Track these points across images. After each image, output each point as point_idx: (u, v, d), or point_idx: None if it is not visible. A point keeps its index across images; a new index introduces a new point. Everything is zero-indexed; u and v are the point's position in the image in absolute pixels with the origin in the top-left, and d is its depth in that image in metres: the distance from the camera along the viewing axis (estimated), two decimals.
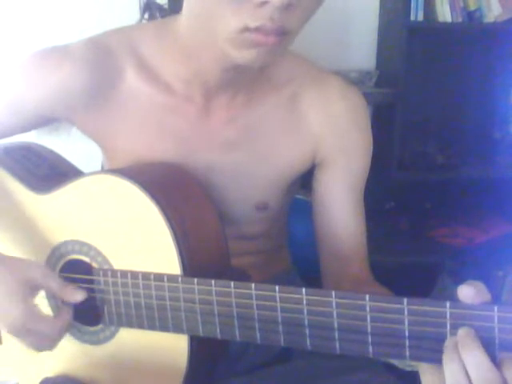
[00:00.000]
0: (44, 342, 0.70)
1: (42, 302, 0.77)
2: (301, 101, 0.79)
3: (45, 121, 0.79)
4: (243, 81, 0.75)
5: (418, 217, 2.15)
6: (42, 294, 0.76)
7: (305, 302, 0.56)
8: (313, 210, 0.84)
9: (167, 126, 0.76)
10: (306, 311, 0.57)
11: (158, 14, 0.94)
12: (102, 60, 0.74)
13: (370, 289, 0.77)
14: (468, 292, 0.50)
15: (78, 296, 0.72)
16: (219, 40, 0.64)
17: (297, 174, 0.82)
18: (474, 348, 0.49)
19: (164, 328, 0.67)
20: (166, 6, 0.97)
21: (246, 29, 0.61)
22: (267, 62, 0.65)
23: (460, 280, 0.53)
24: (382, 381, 0.76)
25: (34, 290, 0.70)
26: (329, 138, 0.80)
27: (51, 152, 0.87)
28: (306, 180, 0.86)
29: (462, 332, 0.50)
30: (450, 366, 0.50)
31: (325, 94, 0.80)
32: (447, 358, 0.51)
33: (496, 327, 0.49)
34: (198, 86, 0.74)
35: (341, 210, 0.81)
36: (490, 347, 0.49)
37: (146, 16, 0.94)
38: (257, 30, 0.60)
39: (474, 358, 0.49)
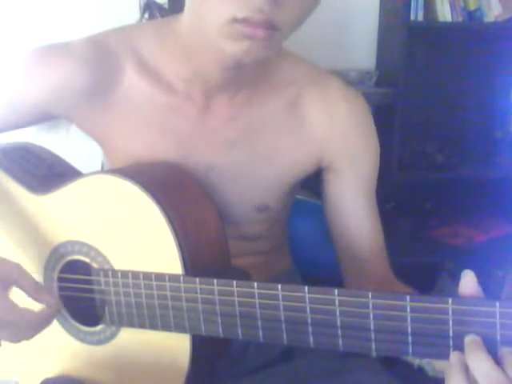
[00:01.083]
0: (21, 333, 0.68)
1: None
2: (302, 102, 0.79)
3: (44, 117, 0.79)
4: (244, 80, 0.75)
5: (418, 217, 2.15)
6: None
7: (307, 300, 0.57)
8: (326, 214, 0.84)
9: (168, 126, 0.76)
10: (308, 309, 0.57)
11: (157, 14, 0.94)
12: (102, 59, 0.74)
13: (394, 288, 0.77)
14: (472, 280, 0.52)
15: (49, 304, 0.69)
16: (212, 33, 0.64)
17: (299, 175, 0.82)
18: (482, 357, 0.49)
19: (166, 327, 0.67)
20: (166, 6, 0.97)
21: (235, 20, 0.61)
22: (259, 57, 0.65)
23: (460, 280, 0.53)
24: (381, 381, 0.76)
25: (6, 285, 0.67)
26: (334, 141, 0.80)
27: (50, 152, 0.86)
28: (306, 180, 0.86)
29: (468, 340, 0.51)
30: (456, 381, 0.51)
31: (326, 95, 0.80)
32: (453, 375, 0.51)
33: (498, 323, 0.49)
34: (199, 85, 0.74)
35: (355, 213, 0.82)
36: (492, 343, 0.49)
37: (146, 15, 0.94)
38: (244, 21, 0.61)
39: (484, 367, 0.49)
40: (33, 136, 0.89)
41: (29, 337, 0.69)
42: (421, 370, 0.73)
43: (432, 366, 0.68)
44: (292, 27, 0.65)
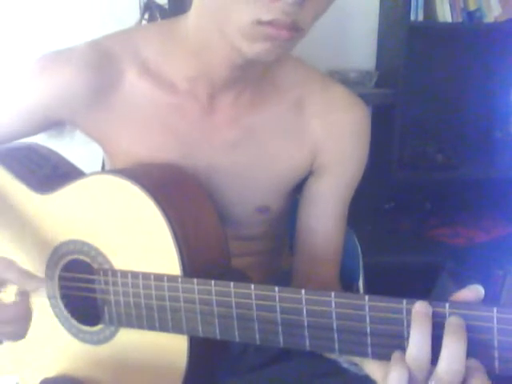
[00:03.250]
0: (12, 329, 0.70)
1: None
2: (305, 107, 0.79)
3: (50, 124, 0.79)
4: (248, 80, 0.75)
5: (418, 217, 2.15)
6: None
7: (304, 302, 0.57)
8: (297, 212, 0.85)
9: (171, 126, 0.76)
10: (305, 311, 0.57)
11: (158, 15, 0.95)
12: (103, 63, 0.74)
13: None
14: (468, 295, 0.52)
15: (33, 284, 0.70)
16: (231, 33, 0.63)
17: (297, 178, 0.83)
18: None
19: (164, 328, 0.67)
20: (166, 7, 0.98)
21: (259, 22, 0.60)
22: (277, 56, 0.65)
23: (460, 280, 0.53)
24: None
25: None
26: (328, 147, 0.80)
27: (53, 152, 0.87)
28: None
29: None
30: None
31: (330, 102, 0.80)
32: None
33: (495, 327, 0.49)
34: (204, 84, 0.74)
35: (324, 216, 0.82)
36: (489, 348, 0.49)
37: (146, 16, 0.95)
38: (270, 23, 0.60)
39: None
40: (37, 140, 0.89)
41: (19, 336, 0.71)
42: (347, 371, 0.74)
43: (344, 357, 0.70)
44: (310, 26, 0.65)
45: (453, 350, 0.49)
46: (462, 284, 0.53)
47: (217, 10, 0.64)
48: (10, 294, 0.74)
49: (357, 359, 0.68)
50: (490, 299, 0.51)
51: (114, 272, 0.70)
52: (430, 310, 0.51)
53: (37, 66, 0.76)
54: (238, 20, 0.62)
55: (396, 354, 0.53)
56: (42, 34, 1.92)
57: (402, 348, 0.53)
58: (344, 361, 0.73)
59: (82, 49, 0.75)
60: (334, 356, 0.74)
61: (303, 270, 0.84)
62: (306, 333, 0.57)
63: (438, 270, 1.94)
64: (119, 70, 0.75)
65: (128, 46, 0.76)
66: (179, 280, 0.64)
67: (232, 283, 0.61)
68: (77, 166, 0.86)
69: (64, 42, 0.78)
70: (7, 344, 0.83)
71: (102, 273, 0.71)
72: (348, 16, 2.10)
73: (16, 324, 0.70)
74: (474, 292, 0.51)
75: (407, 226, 2.13)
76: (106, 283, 0.71)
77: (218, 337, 0.63)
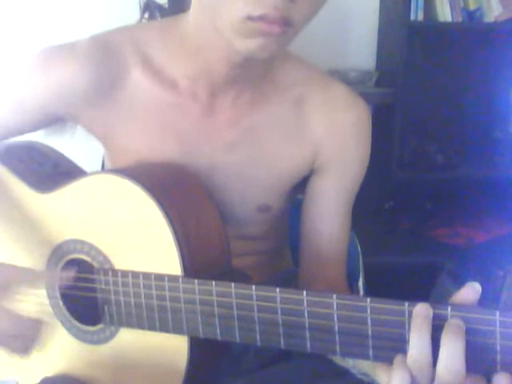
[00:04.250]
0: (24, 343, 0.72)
1: (42, 300, 0.77)
2: (306, 105, 0.79)
3: (51, 119, 0.79)
4: (249, 79, 0.75)
5: (418, 217, 2.15)
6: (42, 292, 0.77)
7: (305, 303, 0.57)
8: (301, 212, 0.85)
9: (171, 125, 0.76)
10: (306, 313, 0.57)
11: (157, 14, 0.94)
12: (107, 58, 0.74)
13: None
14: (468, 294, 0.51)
15: (64, 276, 0.72)
16: (224, 30, 0.64)
17: (298, 177, 0.83)
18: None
19: (164, 329, 0.67)
20: (166, 6, 0.97)
21: (250, 17, 0.61)
22: (272, 53, 0.65)
23: (460, 280, 0.53)
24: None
25: (5, 291, 0.70)
26: (329, 146, 0.80)
27: (55, 151, 0.87)
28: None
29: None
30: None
31: (331, 101, 0.80)
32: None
33: (498, 331, 0.48)
34: (204, 83, 0.74)
35: (328, 215, 0.82)
36: (492, 352, 0.49)
37: (146, 16, 0.94)
38: (260, 18, 0.60)
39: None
40: (37, 138, 0.89)
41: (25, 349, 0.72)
42: (347, 372, 0.75)
43: (357, 369, 0.70)
44: (304, 23, 0.65)
45: (451, 349, 0.49)
46: (461, 284, 0.53)
47: (211, 7, 0.65)
48: (27, 306, 0.75)
49: (368, 369, 0.67)
50: (490, 299, 0.51)
51: (115, 272, 0.70)
52: (430, 312, 0.51)
53: (38, 59, 0.76)
54: (229, 16, 0.62)
55: (398, 358, 0.53)
56: (42, 34, 1.92)
57: (404, 351, 0.52)
58: (358, 372, 0.73)
59: (85, 43, 0.75)
60: (347, 365, 0.73)
61: (309, 270, 0.84)
62: (307, 334, 0.57)
63: (437, 270, 1.94)
64: (123, 65, 0.75)
65: (131, 42, 0.76)
66: (180, 280, 0.64)
67: (233, 284, 0.60)
68: (78, 165, 0.85)
69: (64, 42, 0.78)
70: None
71: (102, 272, 0.71)
72: (348, 16, 2.10)
73: (24, 340, 0.70)
74: (471, 289, 0.51)
75: (407, 226, 2.13)
76: (107, 283, 0.70)
77: (219, 337, 0.63)
